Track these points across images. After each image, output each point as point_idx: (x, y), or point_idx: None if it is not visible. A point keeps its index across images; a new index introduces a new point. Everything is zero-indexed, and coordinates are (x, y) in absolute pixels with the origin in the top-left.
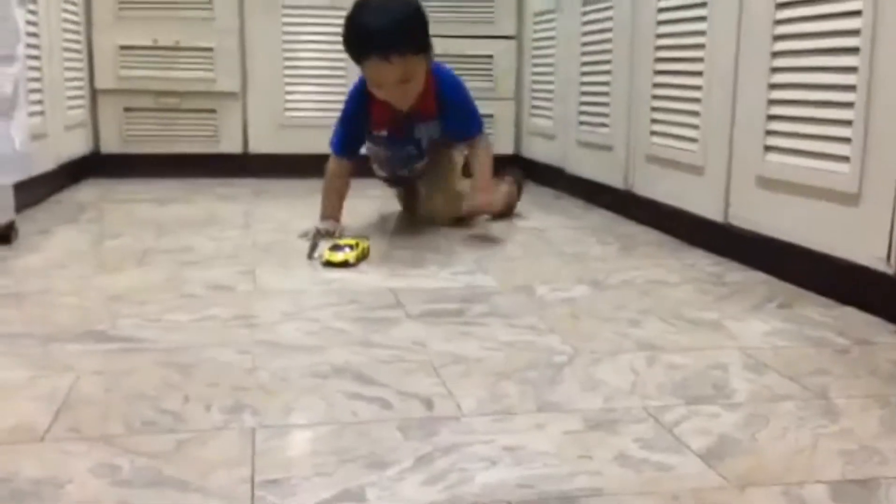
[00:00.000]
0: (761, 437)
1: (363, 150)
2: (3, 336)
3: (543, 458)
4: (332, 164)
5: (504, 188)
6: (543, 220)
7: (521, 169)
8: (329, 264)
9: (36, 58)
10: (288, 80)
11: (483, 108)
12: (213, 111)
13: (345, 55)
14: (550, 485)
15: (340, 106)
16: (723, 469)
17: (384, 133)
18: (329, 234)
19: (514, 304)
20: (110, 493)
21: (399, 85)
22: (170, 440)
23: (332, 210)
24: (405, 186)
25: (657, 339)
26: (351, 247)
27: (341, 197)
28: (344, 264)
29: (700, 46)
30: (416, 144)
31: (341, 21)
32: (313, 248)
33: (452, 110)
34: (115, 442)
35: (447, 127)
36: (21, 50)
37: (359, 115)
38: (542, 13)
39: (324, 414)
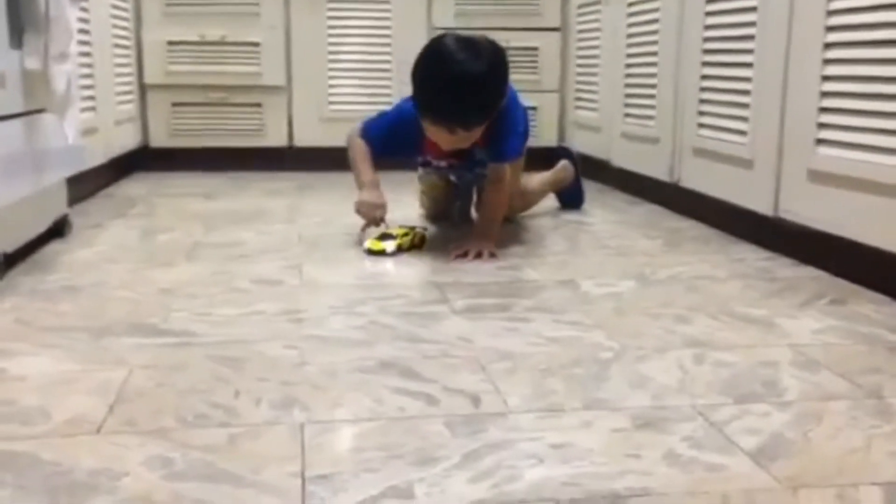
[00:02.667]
0: (813, 437)
1: (418, 173)
2: (58, 329)
3: (591, 457)
4: (359, 144)
5: (557, 175)
6: (588, 213)
7: (570, 152)
8: (370, 252)
9: (87, 54)
10: (332, 73)
11: (528, 99)
12: (258, 105)
13: (388, 49)
14: (598, 483)
15: (383, 100)
16: (774, 469)
17: (444, 164)
18: (378, 217)
19: (559, 299)
20: (164, 486)
21: (450, 141)
22: (222, 434)
23: (369, 175)
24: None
25: (705, 336)
26: (393, 236)
27: (373, 165)
28: (381, 253)
29: (750, 38)
30: (481, 164)
31: (385, 14)
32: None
33: (500, 136)
34: (169, 435)
35: (488, 150)
36: (74, 48)
37: (408, 139)
38: (588, 4)
39: (371, 409)
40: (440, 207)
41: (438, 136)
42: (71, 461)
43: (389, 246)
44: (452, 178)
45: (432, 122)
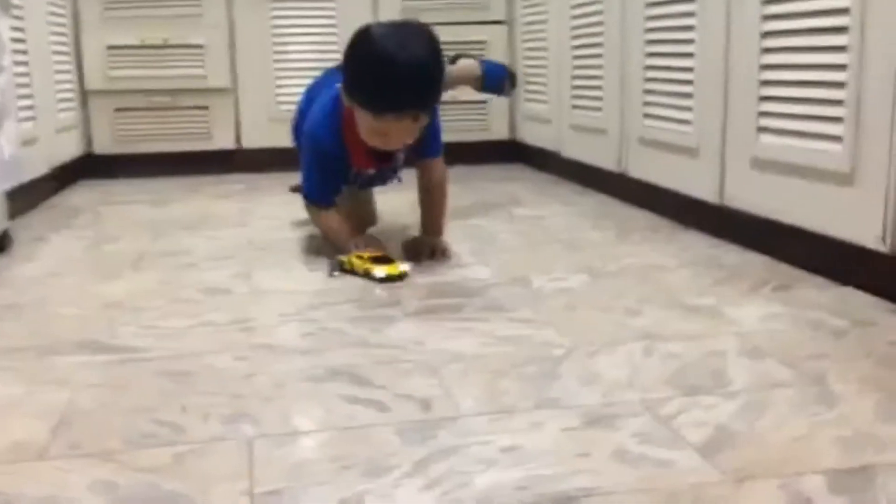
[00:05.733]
0: (758, 427)
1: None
2: (1, 350)
3: (542, 458)
4: (324, 217)
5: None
6: (540, 206)
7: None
8: (390, 279)
9: (23, 63)
10: (279, 73)
11: (477, 93)
12: (205, 108)
13: (334, 47)
14: (549, 486)
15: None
16: (720, 462)
17: (371, 171)
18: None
19: (512, 297)
20: None
21: (398, 135)
22: (168, 453)
23: (349, 233)
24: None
25: (655, 328)
26: (380, 259)
27: (350, 225)
28: (402, 276)
29: (690, 28)
30: (395, 170)
31: (330, 13)
32: (335, 266)
33: (433, 129)
34: (114, 458)
35: (420, 148)
36: (7, 60)
37: (338, 157)
38: None
39: (321, 420)
40: (367, 222)
41: (389, 129)
42: (15, 489)
43: (405, 266)
44: (373, 178)
45: (383, 116)
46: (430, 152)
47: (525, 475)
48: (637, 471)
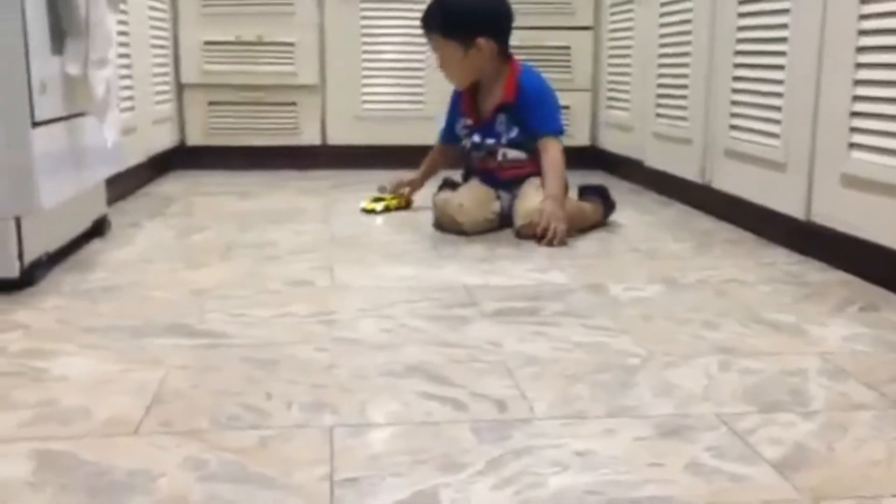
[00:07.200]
0: (837, 448)
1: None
2: (98, 329)
3: (614, 465)
4: (435, 146)
5: (586, 206)
6: (618, 214)
7: (602, 190)
8: (363, 211)
9: (125, 56)
10: (366, 72)
11: (560, 98)
12: (293, 104)
13: (422, 49)
14: (620, 492)
15: (417, 98)
16: (796, 480)
17: (469, 122)
18: (400, 186)
19: (588, 304)
20: (199, 487)
21: (441, 63)
22: (254, 436)
23: (418, 173)
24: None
25: (733, 343)
26: (383, 199)
27: (429, 168)
28: (372, 212)
29: (783, 40)
30: (496, 137)
31: (417, 14)
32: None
33: (531, 104)
34: (203, 437)
35: (525, 120)
36: (113, 53)
37: (453, 108)
38: (620, 3)
39: (399, 414)
40: (482, 212)
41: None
42: (109, 461)
43: (378, 206)
44: (476, 138)
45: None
46: (534, 124)
47: (597, 480)
48: (710, 484)
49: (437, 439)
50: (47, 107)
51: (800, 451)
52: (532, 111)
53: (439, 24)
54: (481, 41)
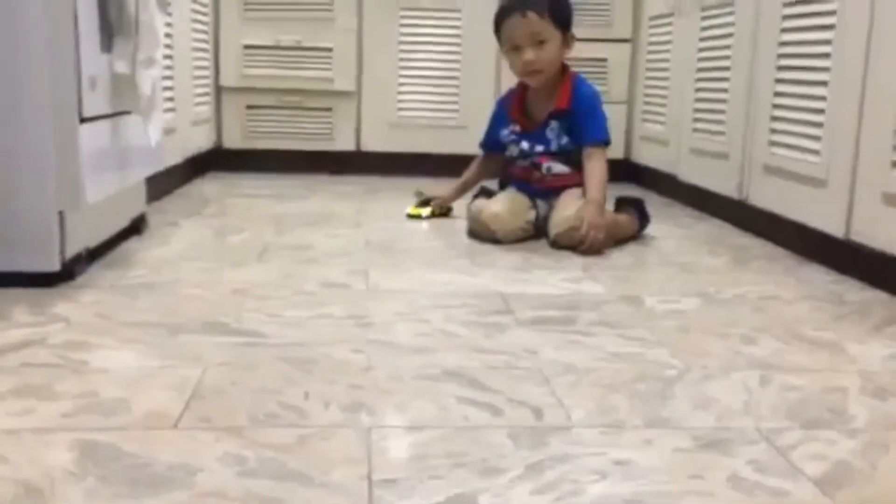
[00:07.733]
0: (880, 467)
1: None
2: (137, 325)
3: (653, 475)
4: (479, 157)
5: (622, 218)
6: (652, 227)
7: (639, 203)
8: (409, 216)
9: (168, 57)
10: (402, 80)
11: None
12: (329, 109)
13: (458, 57)
14: (661, 502)
15: (452, 107)
16: (839, 498)
17: (517, 128)
18: (426, 201)
19: (623, 315)
20: (237, 483)
21: (531, 49)
22: (292, 434)
23: (456, 184)
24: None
25: (772, 358)
26: (426, 204)
27: (470, 179)
28: (417, 217)
29: (826, 56)
30: (546, 144)
31: (455, 23)
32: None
33: (583, 111)
34: (242, 433)
35: (577, 128)
36: (160, 54)
37: (502, 108)
38: (660, 17)
39: (436, 417)
40: (517, 221)
41: (514, 33)
42: (150, 454)
43: (424, 211)
44: (525, 145)
45: (508, 15)
46: (591, 136)
47: (637, 490)
48: (751, 498)
49: (475, 444)
50: (95, 103)
51: (842, 469)
52: (584, 120)
53: (547, 6)
54: (574, 37)
